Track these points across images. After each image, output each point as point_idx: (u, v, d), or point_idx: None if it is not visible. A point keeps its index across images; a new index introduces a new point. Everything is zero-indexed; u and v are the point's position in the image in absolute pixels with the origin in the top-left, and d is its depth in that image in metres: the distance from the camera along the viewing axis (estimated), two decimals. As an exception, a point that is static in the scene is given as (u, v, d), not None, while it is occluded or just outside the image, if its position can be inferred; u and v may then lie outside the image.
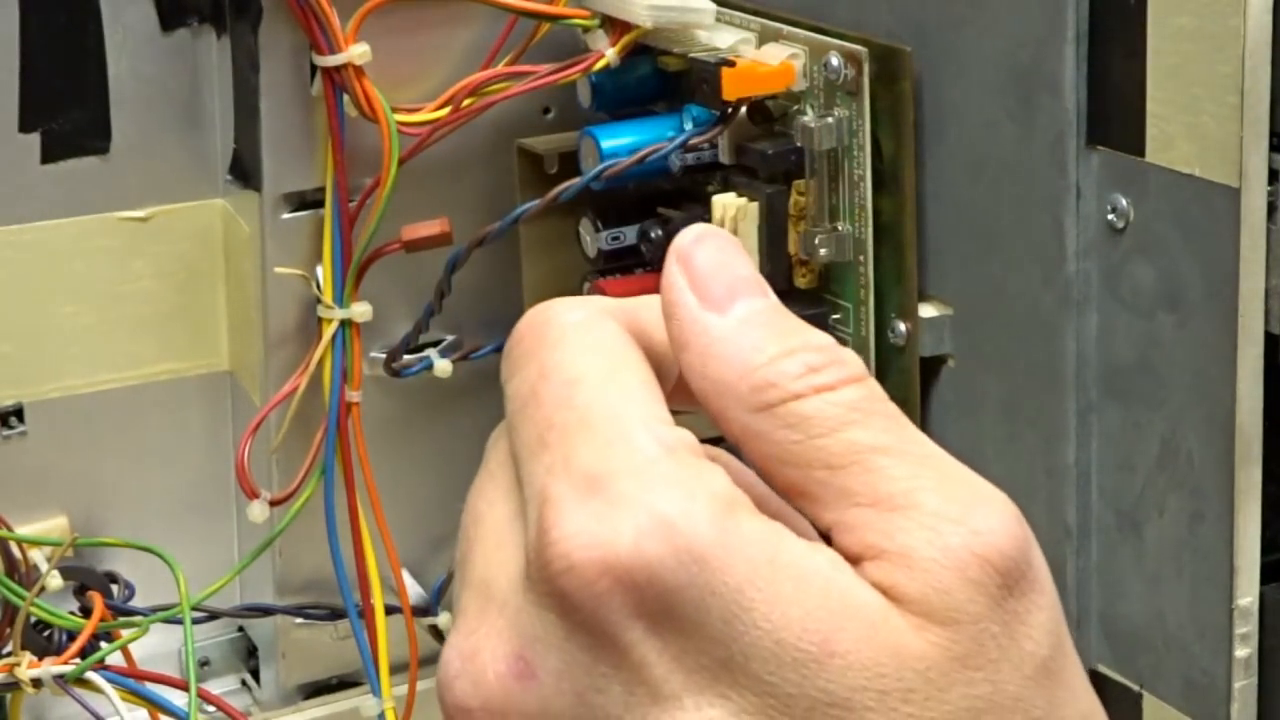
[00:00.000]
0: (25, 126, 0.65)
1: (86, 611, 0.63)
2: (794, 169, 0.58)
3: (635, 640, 0.29)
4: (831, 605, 0.29)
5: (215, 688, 0.71)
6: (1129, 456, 0.54)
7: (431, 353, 0.69)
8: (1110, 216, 0.53)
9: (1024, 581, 0.30)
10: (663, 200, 0.63)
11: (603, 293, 0.62)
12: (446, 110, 0.63)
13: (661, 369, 0.32)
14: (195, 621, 0.65)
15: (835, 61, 0.57)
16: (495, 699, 0.30)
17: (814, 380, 0.30)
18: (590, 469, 0.30)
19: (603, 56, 0.62)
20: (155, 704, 0.62)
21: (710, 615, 0.28)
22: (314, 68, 0.63)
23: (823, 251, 0.58)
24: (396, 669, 0.67)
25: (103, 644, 0.62)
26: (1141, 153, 0.51)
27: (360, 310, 0.65)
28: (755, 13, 0.60)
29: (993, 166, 0.56)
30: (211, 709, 0.65)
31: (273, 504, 0.66)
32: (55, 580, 0.63)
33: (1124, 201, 0.52)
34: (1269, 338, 0.50)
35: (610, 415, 0.31)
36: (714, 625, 0.28)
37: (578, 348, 0.32)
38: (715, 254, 0.32)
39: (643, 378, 0.31)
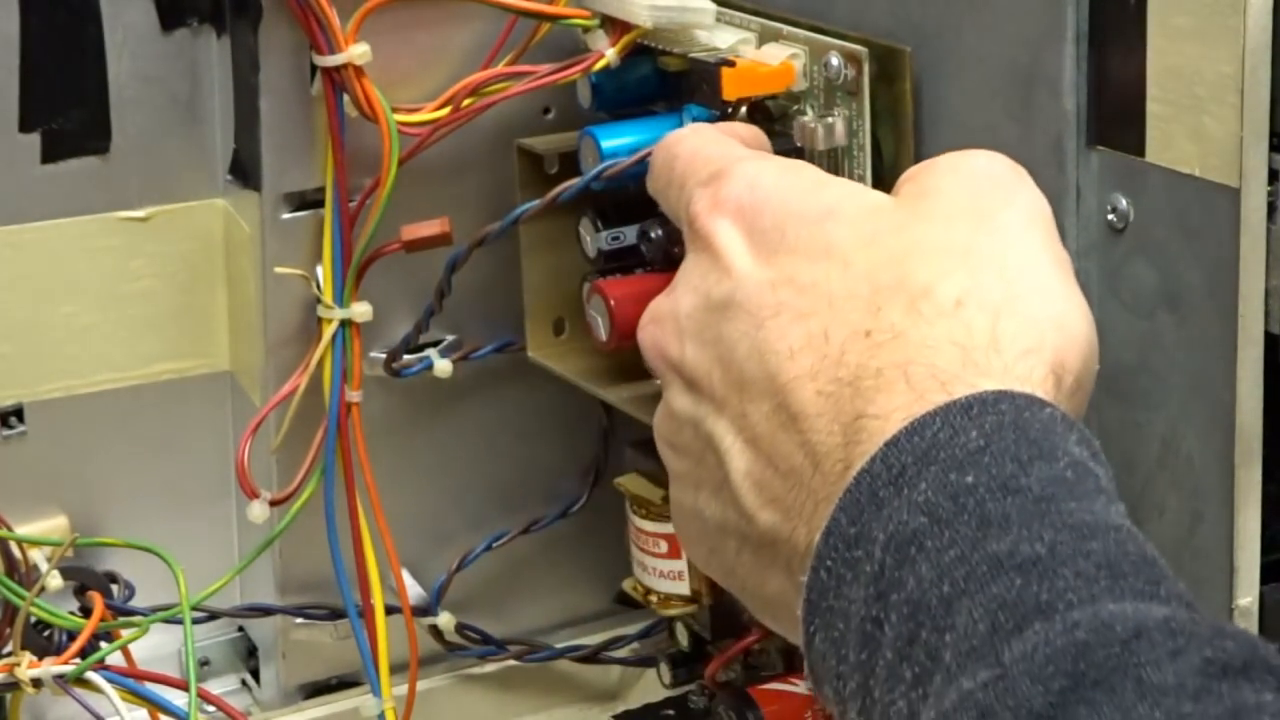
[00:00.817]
0: (25, 126, 0.65)
1: (86, 611, 0.63)
2: (794, 169, 0.58)
3: (728, 236, 0.47)
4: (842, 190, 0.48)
5: (215, 688, 0.71)
6: (1129, 456, 0.54)
7: (431, 353, 0.69)
8: (1110, 216, 0.53)
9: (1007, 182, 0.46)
10: (663, 200, 0.63)
11: (603, 293, 0.62)
12: (446, 110, 0.63)
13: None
14: (195, 621, 0.65)
15: (835, 61, 0.57)
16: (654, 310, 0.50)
17: None
18: (709, 172, 0.49)
19: (603, 56, 0.62)
20: (155, 704, 0.62)
21: (767, 217, 0.47)
22: (314, 68, 0.63)
23: (823, 251, 0.57)
24: (396, 669, 0.67)
25: (103, 644, 0.62)
26: (1141, 153, 0.51)
27: (360, 310, 0.65)
28: (755, 13, 0.60)
29: (993, 166, 0.56)
30: (211, 709, 0.65)
31: (273, 504, 0.66)
32: (55, 580, 0.63)
33: (1124, 201, 0.52)
34: (1269, 338, 0.50)
35: (717, 149, 0.51)
36: (768, 220, 0.47)
37: (691, 137, 0.53)
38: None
39: (729, 139, 0.52)
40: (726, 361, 0.45)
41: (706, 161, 0.51)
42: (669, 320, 0.49)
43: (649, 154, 0.59)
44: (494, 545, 0.72)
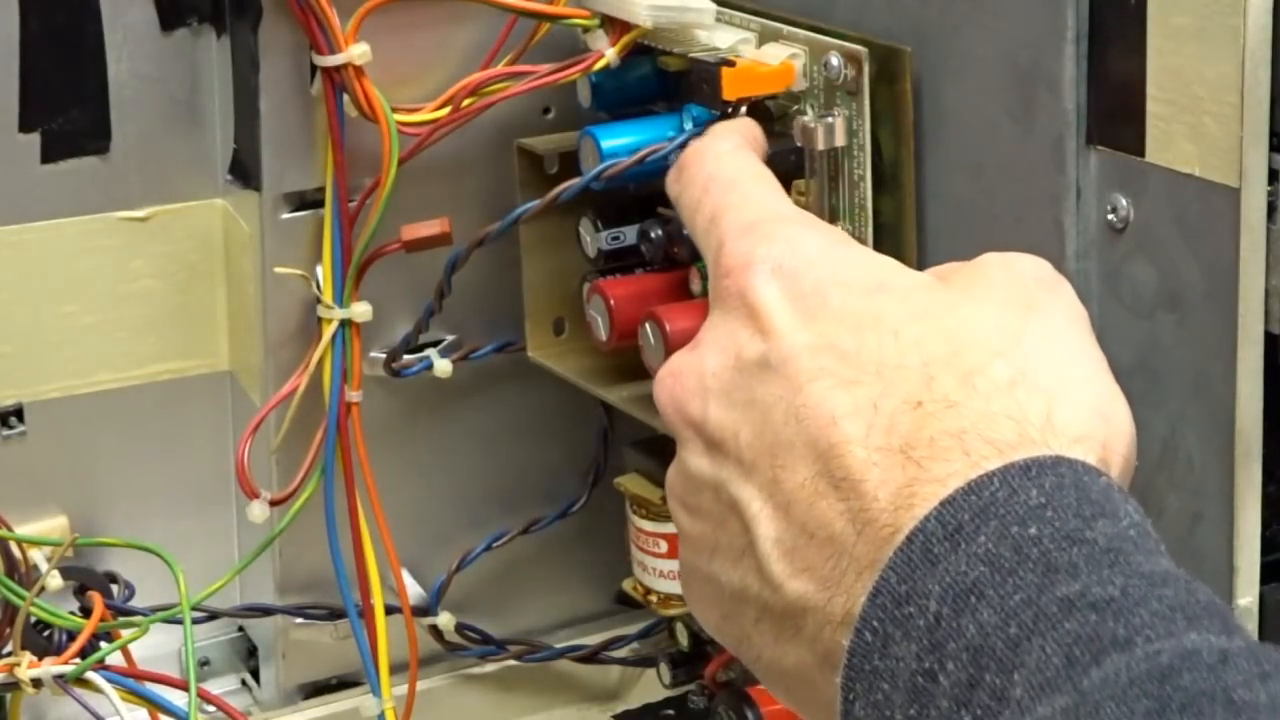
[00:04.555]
0: (25, 126, 0.65)
1: (86, 611, 0.63)
2: (794, 169, 0.58)
3: (767, 294, 0.45)
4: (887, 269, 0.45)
5: (215, 688, 0.71)
6: (1129, 456, 0.54)
7: (431, 353, 0.69)
8: (1110, 216, 0.53)
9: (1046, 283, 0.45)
10: (663, 200, 0.63)
11: (603, 293, 0.62)
12: (446, 110, 0.63)
13: None
14: (195, 621, 0.65)
15: (835, 61, 0.57)
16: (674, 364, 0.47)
17: None
18: (747, 220, 0.47)
19: (603, 56, 0.62)
20: (155, 704, 0.62)
21: (808, 281, 0.45)
22: (314, 68, 0.63)
23: (823, 251, 0.57)
24: (396, 669, 0.67)
25: (103, 644, 0.62)
26: (1141, 153, 0.51)
27: (360, 310, 0.65)
28: (755, 13, 0.60)
29: (992, 166, 0.56)
30: (211, 709, 0.65)
31: (273, 504, 0.66)
32: (55, 580, 0.63)
33: (1124, 201, 0.52)
34: (1269, 338, 0.50)
35: (759, 196, 0.49)
36: (808, 284, 0.45)
37: (732, 163, 0.52)
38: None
39: (772, 179, 0.51)
40: (758, 425, 0.43)
41: (744, 203, 0.49)
42: (692, 376, 0.46)
43: (649, 154, 0.60)
44: (494, 545, 0.72)
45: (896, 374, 0.41)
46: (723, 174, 0.50)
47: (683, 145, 0.59)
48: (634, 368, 0.61)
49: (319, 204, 0.65)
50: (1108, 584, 0.36)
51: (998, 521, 0.37)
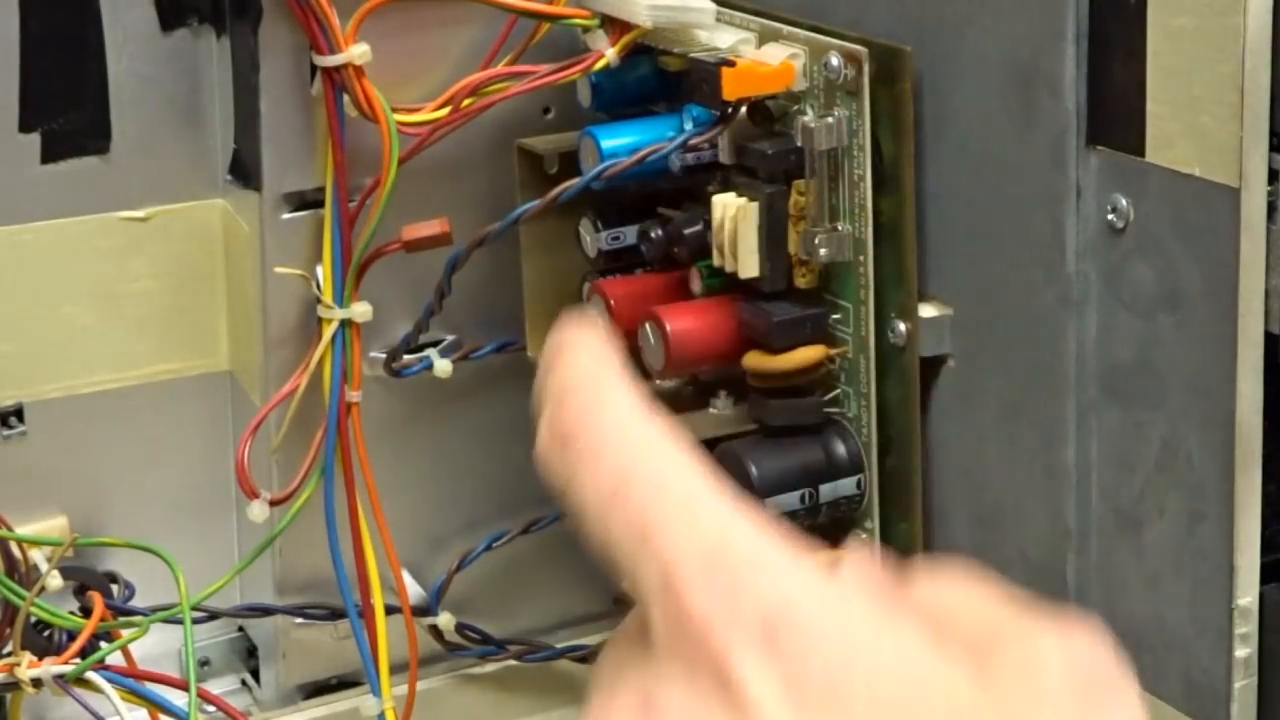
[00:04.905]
0: (25, 126, 0.65)
1: (86, 611, 0.63)
2: (794, 169, 0.58)
3: (753, 676, 0.31)
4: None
5: (215, 688, 0.71)
6: (1129, 457, 0.54)
7: (431, 353, 0.69)
8: (1110, 216, 0.53)
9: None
10: (663, 200, 0.63)
11: (603, 293, 0.62)
12: (446, 110, 0.63)
13: None
14: (195, 621, 0.65)
15: (835, 61, 0.57)
16: None
17: None
18: (706, 548, 0.32)
19: (603, 56, 0.62)
20: (155, 704, 0.62)
21: (811, 652, 0.31)
22: (314, 68, 0.63)
23: (823, 251, 0.58)
24: (396, 669, 0.67)
25: (103, 644, 0.62)
26: (1141, 153, 0.51)
27: (360, 310, 0.65)
28: (755, 13, 0.60)
29: (993, 166, 0.56)
30: (211, 709, 0.65)
31: (273, 504, 0.66)
32: (55, 580, 0.63)
33: (1124, 201, 0.52)
34: (1269, 338, 0.50)
35: (710, 502, 0.33)
36: (814, 662, 0.31)
37: (637, 424, 0.35)
38: None
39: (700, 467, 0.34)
40: None
41: (686, 509, 0.33)
42: None
43: (649, 154, 0.60)
44: (494, 545, 0.72)
45: None
46: (635, 452, 0.35)
47: (683, 145, 0.60)
48: (633, 368, 0.61)
49: (319, 204, 0.65)
50: None
51: None
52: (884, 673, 0.31)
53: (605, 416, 0.35)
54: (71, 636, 0.62)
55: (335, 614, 0.69)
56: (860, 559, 0.34)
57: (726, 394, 0.62)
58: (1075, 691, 0.33)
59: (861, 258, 0.58)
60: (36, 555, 0.64)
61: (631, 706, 0.32)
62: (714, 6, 0.60)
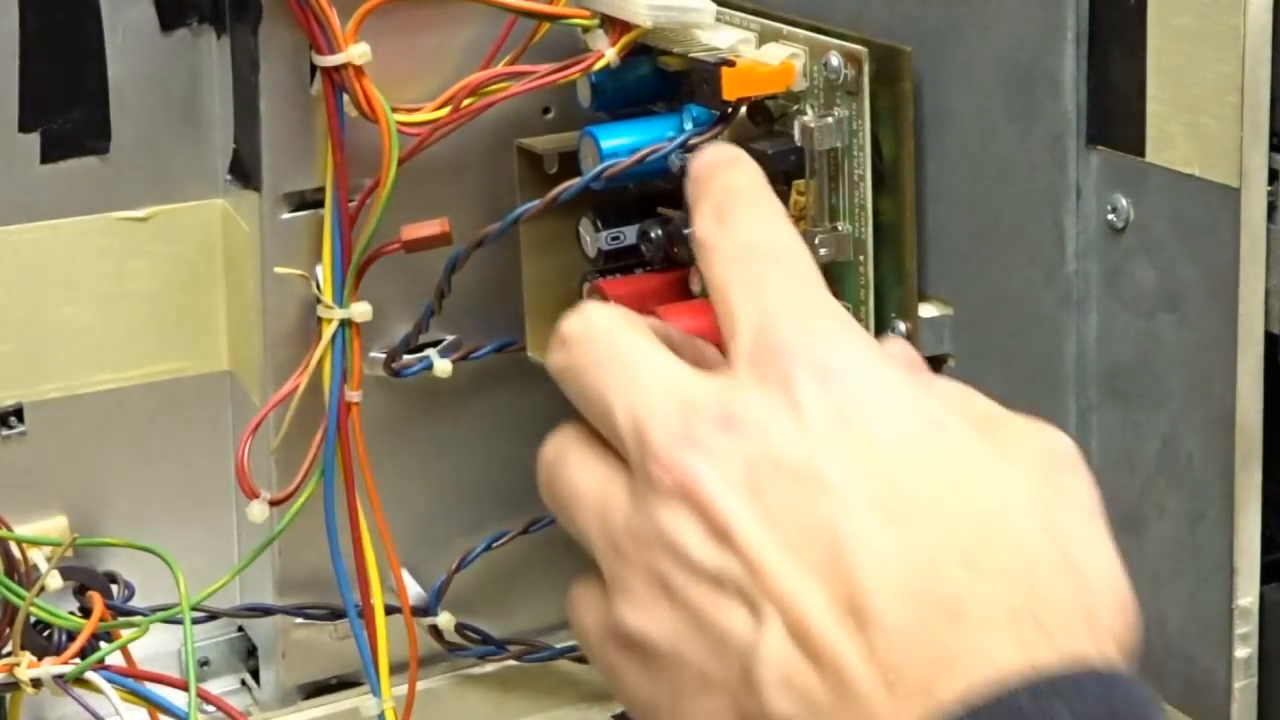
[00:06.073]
0: (25, 126, 0.65)
1: (86, 611, 0.63)
2: (794, 169, 0.58)
3: (806, 395, 0.38)
4: None
5: (215, 688, 0.71)
6: (1129, 456, 0.54)
7: (431, 353, 0.69)
8: (1110, 216, 0.53)
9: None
10: (663, 200, 0.63)
11: (603, 292, 0.62)
12: (446, 110, 0.63)
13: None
14: (195, 621, 0.65)
15: (835, 61, 0.57)
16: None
17: None
18: (797, 302, 0.40)
19: (603, 56, 0.62)
20: (155, 704, 0.62)
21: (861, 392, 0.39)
22: (314, 68, 0.63)
23: (823, 251, 0.58)
24: (396, 669, 0.67)
25: (103, 644, 0.62)
26: (1141, 153, 0.51)
27: (360, 310, 0.65)
28: (755, 13, 0.60)
29: (993, 166, 0.56)
30: (211, 709, 0.65)
31: (273, 504, 0.66)
32: (55, 580, 0.63)
33: (1124, 201, 0.52)
34: (1269, 338, 0.50)
35: (813, 282, 0.41)
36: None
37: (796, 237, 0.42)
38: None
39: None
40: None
41: (799, 274, 0.41)
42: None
43: (649, 154, 0.60)
44: (494, 545, 0.72)
45: (950, 522, 0.37)
46: (788, 241, 0.42)
47: (683, 145, 0.60)
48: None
49: (319, 204, 0.65)
50: None
51: None
52: (918, 419, 0.38)
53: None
54: (71, 636, 0.61)
55: (335, 614, 0.69)
56: (902, 341, 0.43)
57: (726, 394, 0.62)
58: (1044, 461, 0.40)
59: (861, 258, 0.58)
60: (36, 555, 0.64)
61: (713, 419, 0.39)
62: (714, 6, 0.60)
